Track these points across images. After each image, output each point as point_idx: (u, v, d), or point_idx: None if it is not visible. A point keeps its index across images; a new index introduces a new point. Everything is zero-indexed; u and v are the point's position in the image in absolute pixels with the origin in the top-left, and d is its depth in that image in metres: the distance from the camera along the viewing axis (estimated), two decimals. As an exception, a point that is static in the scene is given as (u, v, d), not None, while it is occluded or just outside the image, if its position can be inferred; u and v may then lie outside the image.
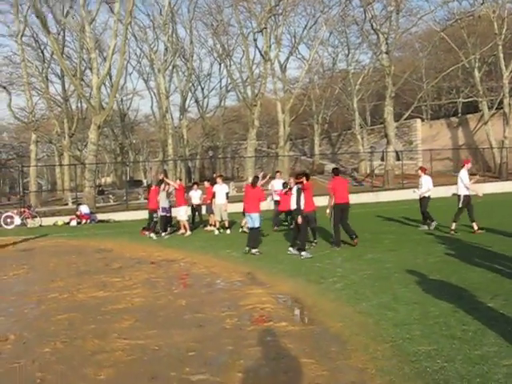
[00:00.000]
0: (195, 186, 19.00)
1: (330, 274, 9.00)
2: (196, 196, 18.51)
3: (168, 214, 17.16)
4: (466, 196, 13.47)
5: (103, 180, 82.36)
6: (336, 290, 7.83)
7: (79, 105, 45.96)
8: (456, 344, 5.19)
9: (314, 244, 12.76)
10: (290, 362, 5.02)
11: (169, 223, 17.51)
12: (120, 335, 6.11)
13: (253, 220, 12.40)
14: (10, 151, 65.61)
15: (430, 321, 5.98)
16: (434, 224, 14.63)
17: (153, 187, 17.41)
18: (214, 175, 33.12)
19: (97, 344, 5.83)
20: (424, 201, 15.17)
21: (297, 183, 11.68)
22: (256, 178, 13.16)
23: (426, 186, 15.26)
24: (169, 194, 17.12)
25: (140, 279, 9.59)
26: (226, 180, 48.41)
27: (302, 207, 11.40)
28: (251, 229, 12.56)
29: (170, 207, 17.34)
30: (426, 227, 14.81)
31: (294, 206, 11.64)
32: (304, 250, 11.16)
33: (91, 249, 14.71)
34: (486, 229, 13.40)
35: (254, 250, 12.03)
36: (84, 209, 25.26)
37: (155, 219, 16.89)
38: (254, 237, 12.42)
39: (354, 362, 4.93)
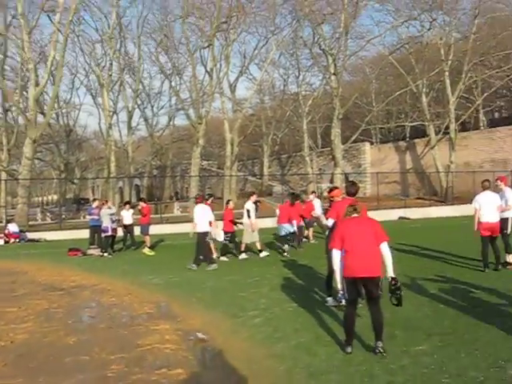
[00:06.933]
0: (127, 206, 17.90)
1: (251, 306, 8.00)
2: (127, 216, 17.39)
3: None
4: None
5: (50, 197, 79.74)
6: (253, 326, 6.84)
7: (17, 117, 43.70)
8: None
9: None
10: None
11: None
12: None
13: None
14: None
15: (351, 368, 5.06)
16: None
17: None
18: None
19: None
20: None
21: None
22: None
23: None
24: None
25: (37, 309, 8.36)
26: (171, 199, 47.27)
27: None
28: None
29: None
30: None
31: None
32: None
33: (4, 271, 13.48)
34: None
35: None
36: (12, 227, 23.71)
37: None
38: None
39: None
